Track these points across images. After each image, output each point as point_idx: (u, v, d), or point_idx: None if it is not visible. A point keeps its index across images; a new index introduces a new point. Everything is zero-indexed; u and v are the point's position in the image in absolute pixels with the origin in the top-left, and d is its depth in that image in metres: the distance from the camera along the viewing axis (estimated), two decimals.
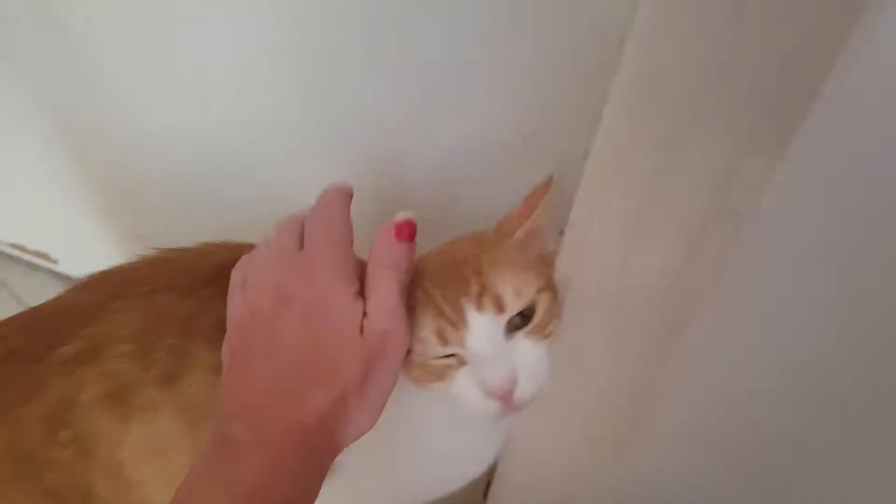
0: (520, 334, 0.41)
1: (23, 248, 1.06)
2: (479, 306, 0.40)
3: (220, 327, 0.44)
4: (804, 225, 0.39)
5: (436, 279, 0.42)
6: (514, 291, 0.40)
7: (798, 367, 0.44)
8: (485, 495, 0.84)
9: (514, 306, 0.41)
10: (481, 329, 0.40)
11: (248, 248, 0.49)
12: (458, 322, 0.40)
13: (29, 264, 1.07)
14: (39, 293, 1.04)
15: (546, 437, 0.62)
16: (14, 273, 1.07)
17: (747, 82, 0.33)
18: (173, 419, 0.46)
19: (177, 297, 0.48)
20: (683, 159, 0.35)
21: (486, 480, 0.88)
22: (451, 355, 0.41)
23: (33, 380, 0.45)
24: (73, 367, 0.45)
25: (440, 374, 0.42)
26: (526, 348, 0.41)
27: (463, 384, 0.41)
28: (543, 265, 0.45)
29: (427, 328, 0.41)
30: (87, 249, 1.01)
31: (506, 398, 0.40)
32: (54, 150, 0.85)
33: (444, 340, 0.40)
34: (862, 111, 0.32)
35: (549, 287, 0.43)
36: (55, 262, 1.05)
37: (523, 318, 0.41)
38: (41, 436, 0.44)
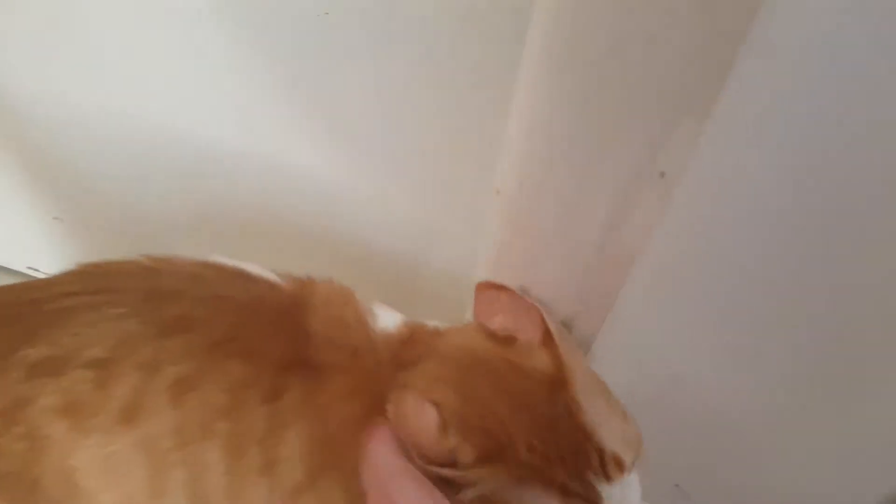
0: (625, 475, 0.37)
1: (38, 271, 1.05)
2: (608, 475, 0.35)
3: (178, 386, 0.44)
4: (729, 185, 0.42)
5: (540, 449, 0.35)
6: (625, 444, 0.36)
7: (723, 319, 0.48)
8: None
9: (629, 461, 0.36)
10: (613, 498, 0.36)
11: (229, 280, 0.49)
12: (594, 499, 0.35)
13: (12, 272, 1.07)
14: None
15: None
16: None
17: (672, 47, 0.35)
18: (131, 449, 0.45)
19: (149, 335, 0.46)
20: (612, 125, 0.37)
21: None
22: None
23: None
24: (34, 374, 0.45)
25: None
26: (633, 484, 0.37)
27: None
28: (617, 403, 0.40)
29: None
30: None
31: None
32: None
33: None
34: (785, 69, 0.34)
35: (631, 419, 0.38)
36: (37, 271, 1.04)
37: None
38: None
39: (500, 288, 0.44)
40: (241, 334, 0.46)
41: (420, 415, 0.36)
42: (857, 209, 0.44)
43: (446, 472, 0.34)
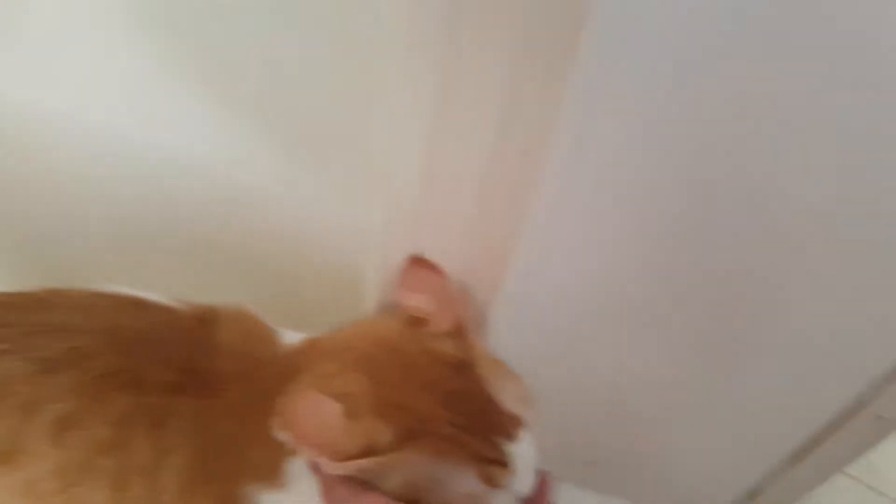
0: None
1: None
2: (512, 436, 0.37)
3: (64, 421, 0.43)
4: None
5: (455, 421, 0.37)
6: (521, 402, 0.39)
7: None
8: None
9: (528, 418, 0.39)
10: (521, 455, 0.38)
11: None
12: (504, 460, 0.37)
13: None
14: None
15: None
16: None
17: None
18: (10, 494, 0.44)
19: (29, 372, 0.44)
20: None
21: None
22: None
23: None
24: None
25: None
26: (528, 447, 0.39)
27: None
28: (506, 364, 0.42)
29: (469, 479, 0.37)
30: None
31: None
32: None
33: (495, 484, 0.37)
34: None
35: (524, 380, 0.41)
36: None
37: None
38: None
39: (434, 270, 0.45)
40: (130, 364, 0.45)
41: (317, 410, 0.36)
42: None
43: (364, 462, 0.34)
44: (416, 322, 0.42)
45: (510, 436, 0.37)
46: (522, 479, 0.38)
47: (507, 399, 0.38)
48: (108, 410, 0.44)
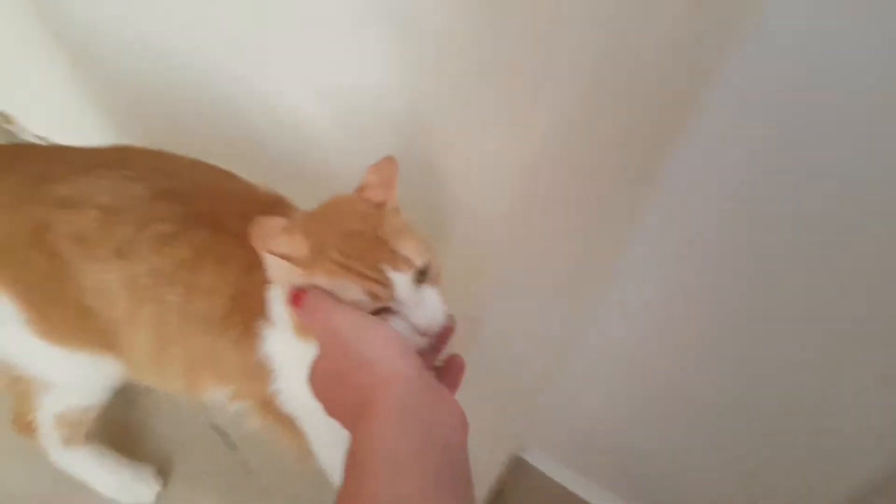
0: (424, 285, 0.51)
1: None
2: (396, 267, 0.48)
3: (160, 240, 0.59)
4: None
5: (346, 251, 0.49)
6: (416, 252, 0.50)
7: None
8: None
9: (419, 263, 0.50)
10: (402, 283, 0.49)
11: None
12: (385, 281, 0.48)
13: None
14: None
15: None
16: None
17: None
18: (118, 283, 0.60)
19: (147, 197, 0.60)
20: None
21: None
22: (382, 310, 0.49)
23: (30, 195, 0.60)
24: (58, 204, 0.60)
25: None
26: (430, 293, 0.51)
27: (396, 326, 0.49)
28: (419, 231, 0.54)
29: (356, 291, 0.48)
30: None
31: (428, 333, 0.50)
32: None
33: (376, 297, 0.48)
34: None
35: (432, 247, 0.52)
36: None
37: (423, 274, 0.51)
38: (27, 239, 0.61)
39: (392, 164, 0.55)
40: (215, 210, 0.61)
41: (271, 223, 0.50)
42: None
43: (285, 260, 0.49)
44: (362, 194, 0.54)
45: (394, 266, 0.48)
46: (417, 311, 0.49)
47: (402, 246, 0.49)
48: (192, 238, 0.60)
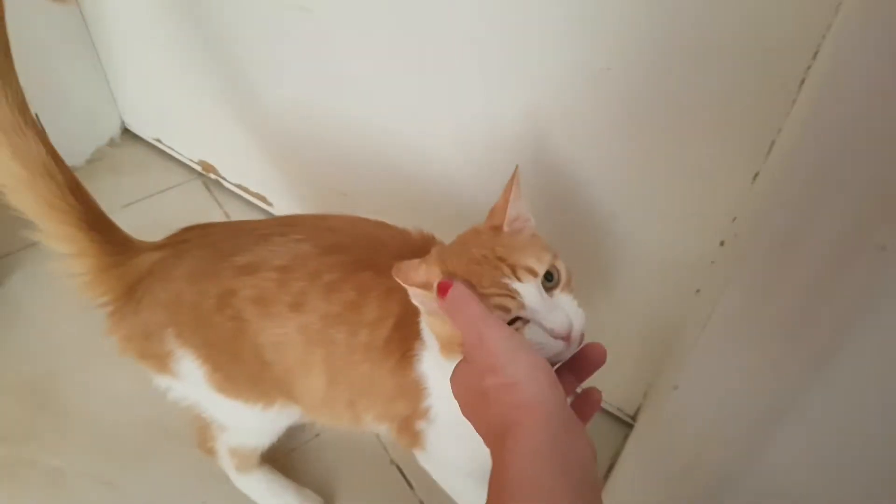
0: (556, 292, 0.53)
1: (246, 189, 1.28)
2: (519, 278, 0.51)
3: (329, 288, 0.64)
4: None
5: (471, 277, 0.52)
6: (535, 260, 0.52)
7: None
8: (607, 476, 0.92)
9: (540, 269, 0.52)
10: (528, 292, 0.51)
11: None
12: (511, 293, 0.50)
13: (249, 203, 1.29)
14: None
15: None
16: (236, 209, 1.30)
17: None
18: (293, 334, 0.65)
19: (315, 253, 0.66)
20: None
21: (609, 463, 0.96)
22: (516, 319, 0.51)
23: (216, 269, 0.67)
24: (240, 273, 0.66)
25: None
26: (564, 300, 0.53)
27: (532, 334, 0.51)
28: (539, 240, 0.58)
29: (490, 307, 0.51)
30: (295, 199, 1.21)
31: (567, 337, 0.50)
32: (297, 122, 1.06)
33: (506, 310, 0.50)
34: None
35: (556, 254, 0.55)
36: (271, 205, 1.26)
37: (551, 281, 0.53)
38: (214, 306, 0.67)
39: (514, 182, 0.58)
40: (374, 256, 0.66)
41: (409, 262, 0.54)
42: None
43: (423, 289, 0.53)
44: (490, 220, 0.58)
45: (518, 278, 0.51)
46: (549, 316, 0.50)
47: (521, 258, 0.52)
48: (356, 281, 0.65)
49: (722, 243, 0.69)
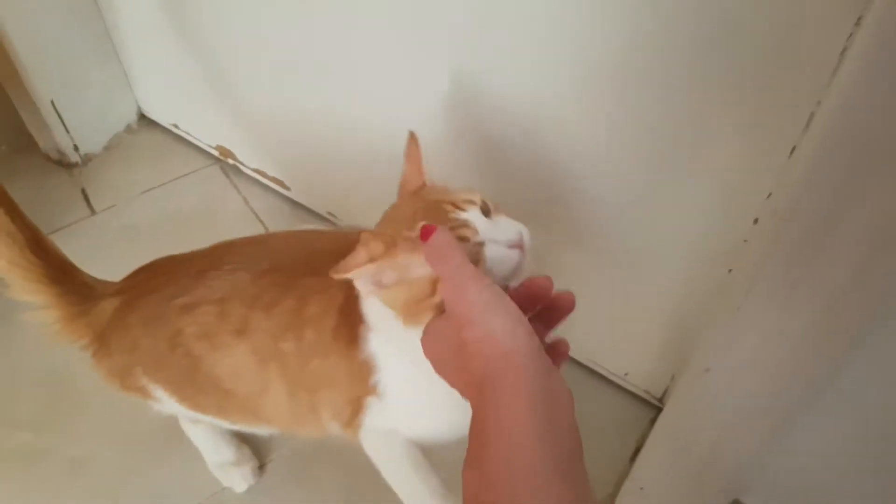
0: (493, 215, 0.57)
1: (264, 174, 1.28)
2: (463, 209, 0.56)
3: (269, 305, 0.66)
4: None
5: (416, 225, 0.54)
6: (468, 193, 0.57)
7: None
8: (633, 459, 0.91)
9: (476, 199, 0.57)
10: (476, 218, 0.55)
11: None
12: (463, 223, 0.54)
13: (266, 187, 1.29)
14: (272, 212, 1.27)
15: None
16: (254, 193, 1.29)
17: None
18: (243, 358, 0.68)
19: (250, 279, 0.68)
20: None
21: (635, 446, 0.95)
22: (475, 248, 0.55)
23: (162, 313, 0.70)
24: (181, 312, 0.69)
25: (476, 262, 0.54)
26: (504, 218, 0.58)
27: (492, 252, 0.54)
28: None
29: None
30: (313, 184, 1.20)
31: (520, 244, 0.55)
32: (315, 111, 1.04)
33: (466, 238, 0.54)
34: None
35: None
36: (288, 189, 1.25)
37: (484, 212, 0.57)
38: (167, 347, 0.70)
39: (416, 144, 0.63)
40: (311, 263, 0.66)
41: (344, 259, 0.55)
42: None
43: (369, 264, 0.53)
44: (405, 190, 0.63)
45: (461, 209, 0.55)
46: (499, 231, 0.55)
47: (456, 195, 0.57)
48: (294, 289, 0.66)
49: (756, 221, 0.67)
